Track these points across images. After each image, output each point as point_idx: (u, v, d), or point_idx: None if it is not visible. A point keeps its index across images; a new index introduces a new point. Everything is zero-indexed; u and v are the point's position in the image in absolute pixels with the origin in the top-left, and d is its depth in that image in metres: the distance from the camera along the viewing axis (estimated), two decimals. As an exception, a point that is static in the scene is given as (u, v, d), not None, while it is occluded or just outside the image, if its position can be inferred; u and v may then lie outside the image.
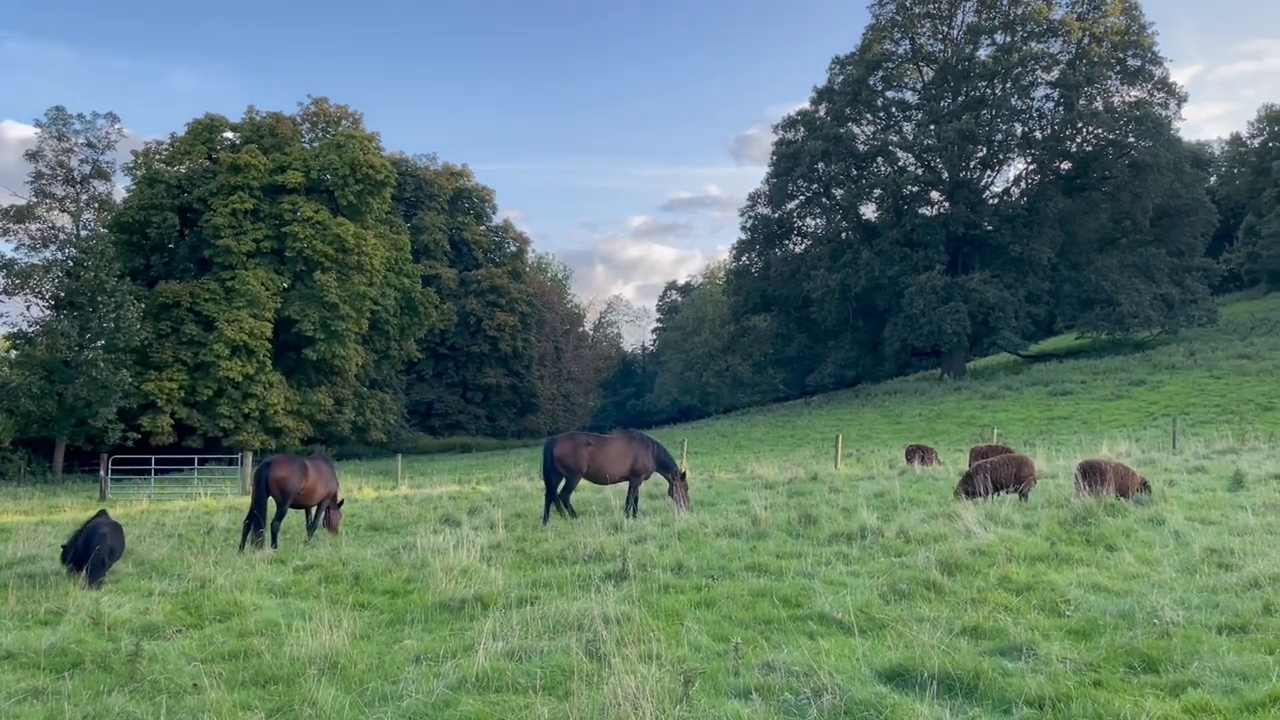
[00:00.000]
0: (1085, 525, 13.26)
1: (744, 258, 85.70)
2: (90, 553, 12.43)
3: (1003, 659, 7.53)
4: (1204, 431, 34.70)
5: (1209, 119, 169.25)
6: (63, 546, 13.34)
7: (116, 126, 57.90)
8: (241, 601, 10.90)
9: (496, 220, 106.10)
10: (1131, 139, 68.96)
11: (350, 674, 7.92)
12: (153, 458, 38.43)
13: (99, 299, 54.23)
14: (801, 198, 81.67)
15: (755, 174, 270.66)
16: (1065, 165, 73.85)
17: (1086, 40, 71.02)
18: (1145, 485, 15.62)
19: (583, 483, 18.43)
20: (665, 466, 17.97)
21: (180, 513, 23.40)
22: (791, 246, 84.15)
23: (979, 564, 10.98)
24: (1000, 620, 8.54)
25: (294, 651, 8.33)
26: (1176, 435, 30.91)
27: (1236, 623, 8.21)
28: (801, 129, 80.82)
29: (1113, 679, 7.02)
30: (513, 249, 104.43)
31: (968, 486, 16.15)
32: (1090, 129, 70.33)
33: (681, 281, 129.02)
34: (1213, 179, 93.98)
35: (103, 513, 13.95)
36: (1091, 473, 15.43)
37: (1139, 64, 71.02)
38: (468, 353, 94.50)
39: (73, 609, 10.64)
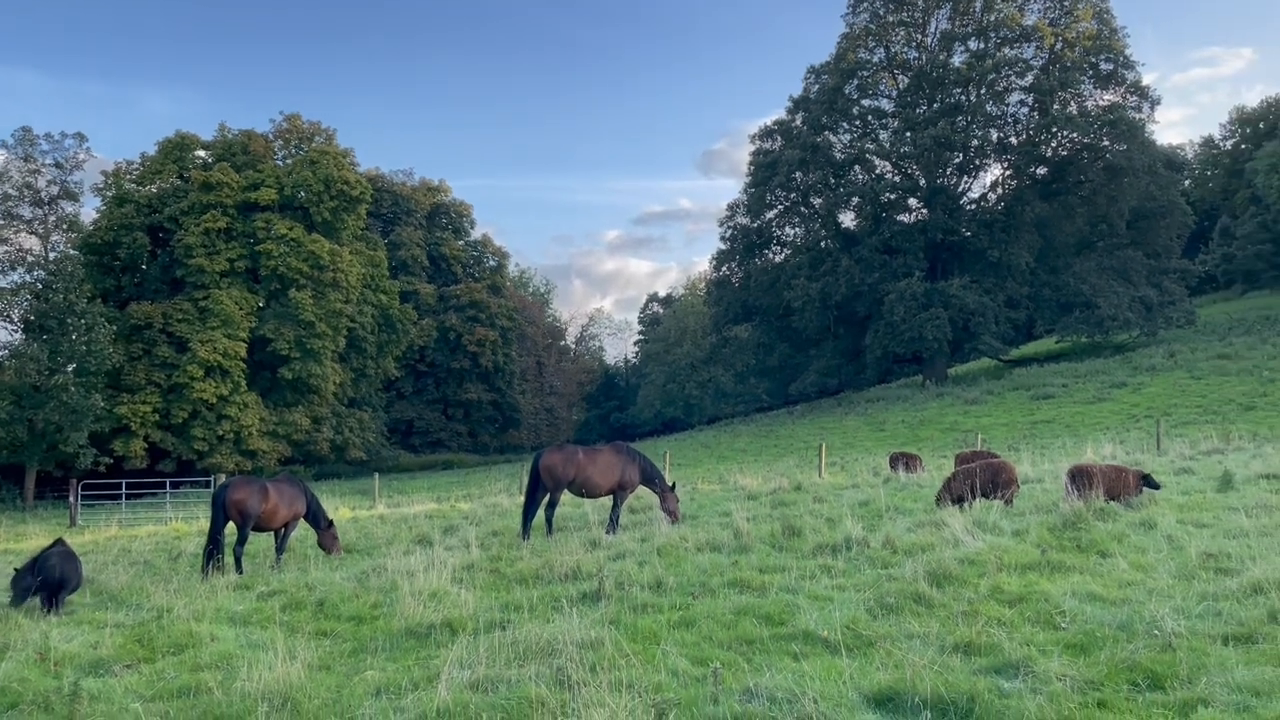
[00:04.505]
0: (1075, 531, 12.89)
1: (724, 268, 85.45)
2: (38, 583, 11.95)
3: (999, 678, 7.09)
4: (1187, 432, 34.49)
5: (1169, 124, 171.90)
6: (15, 569, 12.87)
7: (85, 147, 57.37)
8: (198, 632, 10.34)
9: (475, 235, 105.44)
10: (1106, 142, 69.11)
11: (304, 710, 7.40)
12: (124, 482, 37.68)
13: (69, 322, 53.33)
14: (780, 207, 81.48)
15: (725, 187, 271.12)
16: (1041, 170, 73.92)
17: (1059, 45, 71.23)
18: (1145, 480, 15.33)
19: (564, 498, 18.01)
20: (651, 480, 17.71)
21: (149, 538, 22.77)
22: (771, 256, 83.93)
23: (969, 574, 10.58)
24: (994, 635, 8.11)
25: (246, 687, 7.81)
26: (1160, 436, 30.67)
27: (1242, 632, 7.80)
28: (778, 138, 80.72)
29: (1117, 698, 6.58)
30: (492, 264, 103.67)
31: (947, 492, 15.98)
32: (1065, 133, 70.50)
33: (661, 294, 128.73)
34: (1186, 182, 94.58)
35: (59, 541, 13.41)
36: (1081, 476, 15.10)
37: (1111, 68, 71.29)
38: (448, 369, 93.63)
39: (19, 644, 10.09)
